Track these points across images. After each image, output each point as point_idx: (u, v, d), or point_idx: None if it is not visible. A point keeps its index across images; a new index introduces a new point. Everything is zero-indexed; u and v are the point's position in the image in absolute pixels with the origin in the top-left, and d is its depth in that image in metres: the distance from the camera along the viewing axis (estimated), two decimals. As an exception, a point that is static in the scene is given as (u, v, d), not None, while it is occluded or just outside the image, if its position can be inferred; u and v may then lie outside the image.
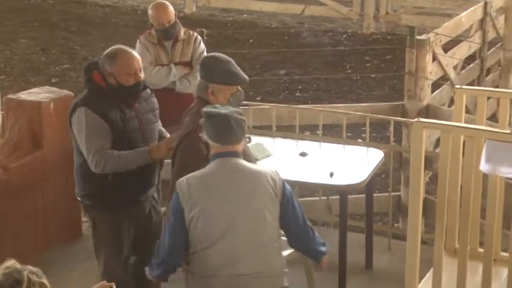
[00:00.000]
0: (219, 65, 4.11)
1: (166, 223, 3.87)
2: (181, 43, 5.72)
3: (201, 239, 3.67)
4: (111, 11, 14.05)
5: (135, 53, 4.47)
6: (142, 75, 4.43)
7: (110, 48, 4.46)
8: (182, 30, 5.75)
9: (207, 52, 5.79)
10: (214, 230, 3.65)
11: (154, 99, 4.61)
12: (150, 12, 5.75)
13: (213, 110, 3.79)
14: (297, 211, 3.81)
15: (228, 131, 3.72)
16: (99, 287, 3.19)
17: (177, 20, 5.74)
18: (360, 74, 10.40)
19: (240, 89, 4.15)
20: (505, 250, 4.62)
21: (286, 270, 3.83)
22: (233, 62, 4.15)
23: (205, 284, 3.70)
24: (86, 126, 4.35)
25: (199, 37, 5.83)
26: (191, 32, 5.84)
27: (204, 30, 6.55)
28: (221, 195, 3.68)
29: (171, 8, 5.71)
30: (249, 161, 3.98)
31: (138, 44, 5.75)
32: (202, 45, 5.81)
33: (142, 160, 4.39)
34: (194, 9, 13.91)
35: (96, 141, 4.35)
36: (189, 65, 5.73)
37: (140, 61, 4.45)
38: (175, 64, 5.69)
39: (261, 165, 3.95)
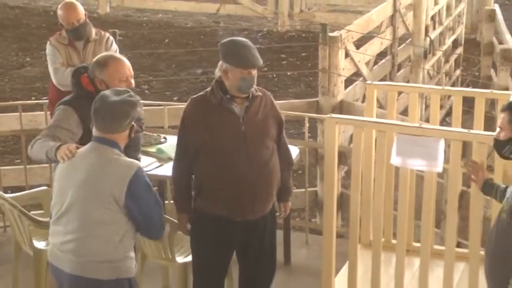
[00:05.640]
0: (233, 47, 4.14)
1: None
2: (93, 44, 5.65)
3: (52, 213, 3.84)
4: (22, 13, 13.75)
5: (126, 60, 4.30)
6: (133, 82, 4.26)
7: (99, 55, 4.36)
8: (94, 31, 5.68)
9: (120, 53, 5.72)
10: (57, 208, 3.79)
11: (141, 110, 4.38)
12: (59, 12, 5.66)
13: (103, 96, 3.76)
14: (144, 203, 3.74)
15: (98, 118, 3.73)
16: None
17: (88, 21, 5.67)
18: (276, 72, 10.47)
19: (252, 73, 4.13)
20: (417, 241, 4.73)
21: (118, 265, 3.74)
22: (250, 47, 4.14)
23: (50, 254, 3.85)
24: (55, 118, 4.17)
25: (111, 37, 5.77)
26: (103, 32, 5.77)
27: (117, 30, 6.50)
28: (71, 178, 3.74)
29: (80, 7, 5.66)
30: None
31: (48, 46, 5.65)
32: (115, 46, 5.75)
33: (51, 154, 4.00)
34: (108, 9, 13.74)
35: (52, 130, 4.15)
36: (102, 66, 5.65)
37: (131, 67, 4.28)
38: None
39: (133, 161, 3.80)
